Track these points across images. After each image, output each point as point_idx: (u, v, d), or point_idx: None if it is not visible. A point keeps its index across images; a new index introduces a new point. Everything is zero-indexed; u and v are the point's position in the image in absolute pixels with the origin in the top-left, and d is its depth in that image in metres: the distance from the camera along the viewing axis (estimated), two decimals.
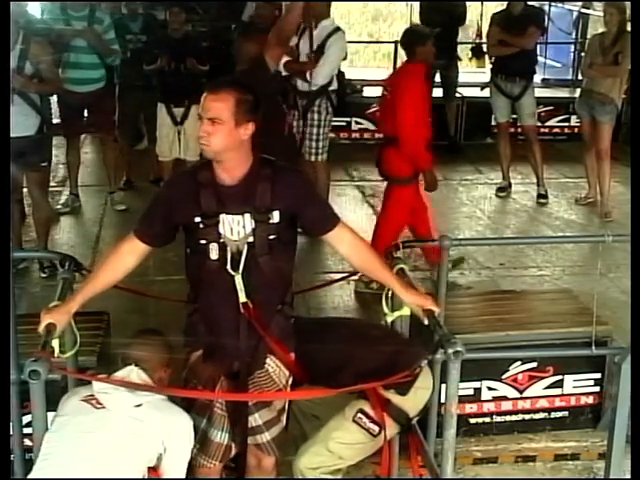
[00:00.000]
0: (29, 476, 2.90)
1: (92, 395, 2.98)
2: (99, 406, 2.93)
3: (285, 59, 6.55)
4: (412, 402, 3.42)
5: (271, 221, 3.04)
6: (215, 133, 2.97)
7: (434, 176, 5.70)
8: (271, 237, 3.05)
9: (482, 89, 8.70)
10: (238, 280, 3.04)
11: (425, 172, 5.62)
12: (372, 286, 5.35)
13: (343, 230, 3.17)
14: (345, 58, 7.17)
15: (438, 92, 9.39)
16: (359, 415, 3.36)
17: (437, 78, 9.33)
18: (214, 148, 2.99)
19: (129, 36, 7.54)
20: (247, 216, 3.03)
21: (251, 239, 3.04)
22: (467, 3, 9.74)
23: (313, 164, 6.77)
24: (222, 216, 3.03)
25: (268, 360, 3.19)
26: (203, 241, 3.05)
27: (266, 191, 3.04)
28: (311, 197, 3.20)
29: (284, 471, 3.80)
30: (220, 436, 3.21)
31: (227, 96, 2.98)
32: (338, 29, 6.73)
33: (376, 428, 3.35)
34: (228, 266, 3.03)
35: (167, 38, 7.29)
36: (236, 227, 3.04)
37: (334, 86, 6.80)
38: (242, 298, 3.05)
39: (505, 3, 8.08)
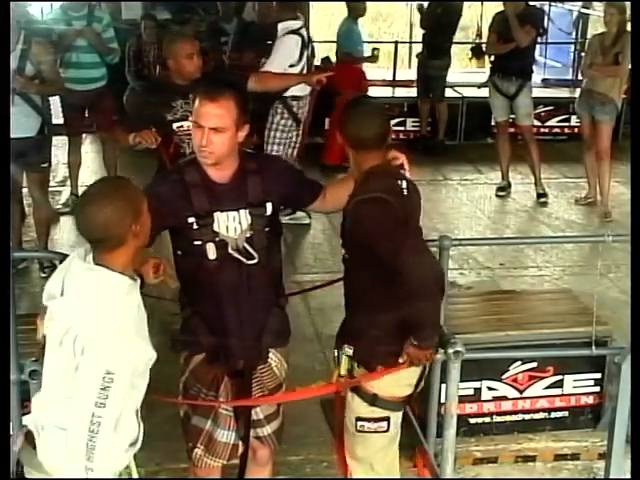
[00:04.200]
0: None
1: None
2: None
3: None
4: (396, 383, 3.13)
5: (266, 213, 3.06)
6: (218, 142, 2.93)
7: None
8: (267, 229, 3.07)
9: (479, 87, 8.70)
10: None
11: None
12: None
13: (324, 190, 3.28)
14: (293, 65, 6.26)
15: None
16: (360, 424, 3.19)
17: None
18: (217, 156, 2.96)
19: None
20: (242, 212, 3.02)
21: (249, 234, 3.03)
22: (465, 3, 9.72)
23: None
24: (216, 214, 3.00)
25: (270, 354, 3.18)
26: (198, 242, 2.99)
27: (257, 184, 3.04)
28: (297, 177, 3.30)
29: (284, 471, 3.81)
30: (227, 436, 3.18)
31: (227, 102, 2.92)
32: (289, 32, 6.24)
33: (383, 424, 3.19)
34: (242, 259, 2.99)
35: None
36: (232, 224, 3.02)
37: (293, 92, 6.27)
38: None
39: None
